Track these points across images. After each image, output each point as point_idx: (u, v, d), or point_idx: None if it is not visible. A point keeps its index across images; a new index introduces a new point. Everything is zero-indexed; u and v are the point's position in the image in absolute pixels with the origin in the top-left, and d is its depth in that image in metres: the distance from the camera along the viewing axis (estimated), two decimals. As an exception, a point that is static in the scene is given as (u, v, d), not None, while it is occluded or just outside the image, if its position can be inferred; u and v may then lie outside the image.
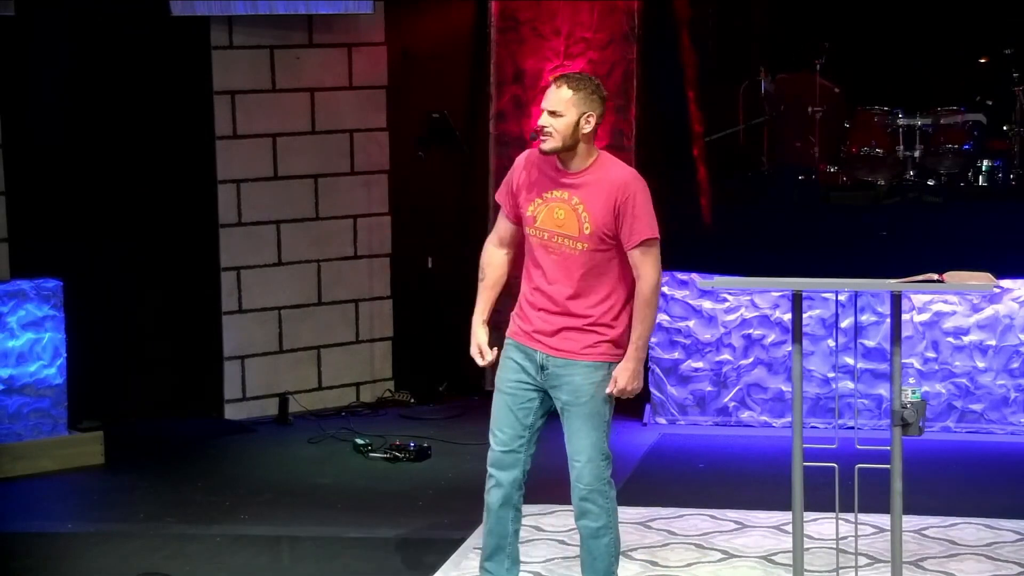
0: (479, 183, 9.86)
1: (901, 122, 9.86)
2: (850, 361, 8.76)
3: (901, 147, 9.86)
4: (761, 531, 7.06)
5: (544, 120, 5.42)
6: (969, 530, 7.02)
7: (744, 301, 9.04)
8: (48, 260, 8.58)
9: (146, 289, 9.31)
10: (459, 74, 9.97)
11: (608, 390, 5.47)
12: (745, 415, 9.12)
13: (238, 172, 9.38)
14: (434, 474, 8.11)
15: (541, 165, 5.53)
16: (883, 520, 5.89)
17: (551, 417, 5.65)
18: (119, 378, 9.23)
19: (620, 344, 5.52)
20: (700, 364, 9.14)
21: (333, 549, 6.91)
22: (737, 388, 9.12)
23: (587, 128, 5.43)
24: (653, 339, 9.16)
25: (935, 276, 5.37)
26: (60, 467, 8.27)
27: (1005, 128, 10.00)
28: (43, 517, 7.53)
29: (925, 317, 8.92)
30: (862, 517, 5.66)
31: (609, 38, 9.88)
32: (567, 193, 5.46)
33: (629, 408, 9.39)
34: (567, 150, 5.44)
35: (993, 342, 8.87)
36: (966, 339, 8.89)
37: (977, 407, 8.90)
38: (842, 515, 5.73)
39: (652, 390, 9.18)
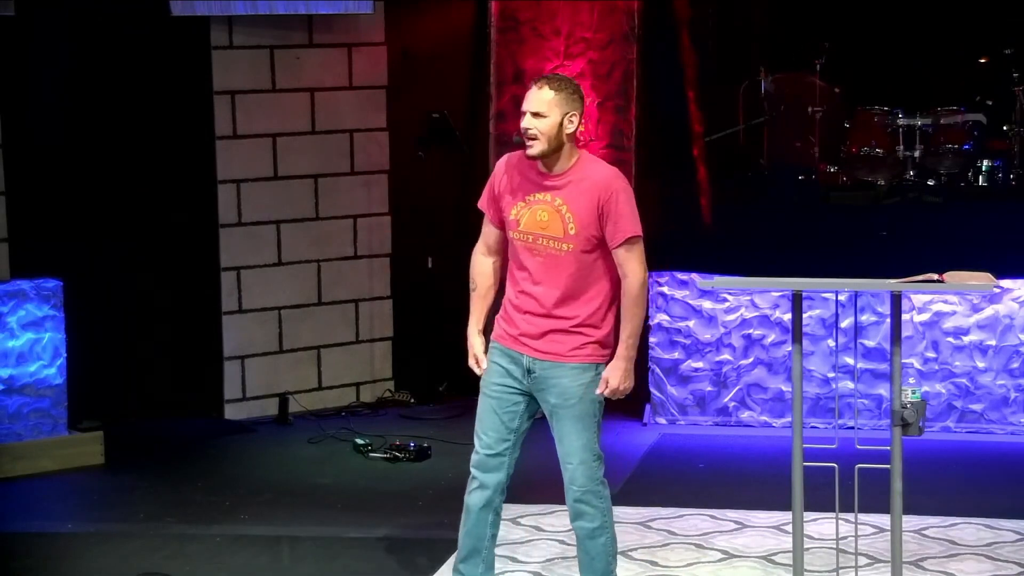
0: (479, 183, 9.78)
1: (901, 122, 9.86)
2: (850, 361, 8.76)
3: (901, 147, 9.85)
4: (761, 531, 7.06)
5: (528, 122, 5.41)
6: (969, 530, 7.02)
7: (744, 301, 9.04)
8: (48, 260, 8.58)
9: (146, 289, 9.31)
10: (459, 74, 9.97)
11: (599, 391, 5.48)
12: (745, 415, 9.12)
13: (238, 172, 9.38)
14: (434, 474, 8.11)
15: (522, 168, 5.53)
16: (883, 520, 5.89)
17: (539, 419, 5.64)
18: (119, 378, 9.23)
19: (607, 345, 5.52)
20: (700, 364, 9.14)
21: (333, 549, 6.91)
22: (737, 388, 9.12)
23: (570, 128, 5.43)
24: (653, 339, 9.16)
25: (935, 276, 5.37)
26: (60, 467, 8.27)
27: (1005, 128, 10.00)
28: (43, 517, 7.53)
29: (925, 317, 8.92)
30: (862, 517, 5.65)
31: (609, 38, 9.88)
32: (550, 195, 5.46)
33: (629, 408, 9.40)
34: (553, 152, 5.43)
35: (993, 342, 8.87)
36: (966, 339, 8.89)
37: (977, 407, 8.90)
38: (842, 515, 5.73)
39: (652, 390, 9.18)
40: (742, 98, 10.36)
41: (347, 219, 9.73)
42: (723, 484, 7.91)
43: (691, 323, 9.14)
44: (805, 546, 5.66)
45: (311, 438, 8.94)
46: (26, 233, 8.65)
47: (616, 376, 5.46)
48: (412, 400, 9.69)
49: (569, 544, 6.86)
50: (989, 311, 8.87)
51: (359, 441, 8.63)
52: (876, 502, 5.70)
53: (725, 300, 9.08)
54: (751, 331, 9.07)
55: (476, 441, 5.62)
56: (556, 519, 7.21)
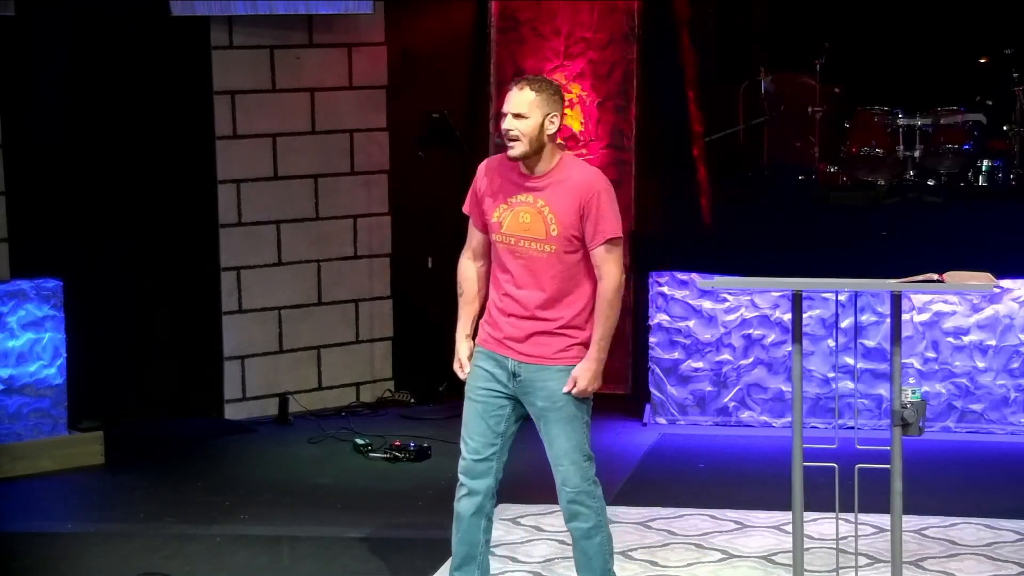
0: (479, 183, 9.85)
1: (901, 122, 9.85)
2: (850, 361, 8.76)
3: (901, 147, 9.84)
4: (761, 531, 7.06)
5: (509, 123, 5.40)
6: (969, 530, 7.02)
7: (744, 301, 9.04)
8: (48, 260, 8.58)
9: (146, 289, 9.32)
10: (459, 74, 9.97)
11: (566, 389, 5.45)
12: (745, 415, 9.12)
13: (238, 172, 9.38)
14: (434, 474, 8.10)
15: (504, 171, 5.53)
16: (883, 520, 5.89)
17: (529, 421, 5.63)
18: (119, 378, 9.23)
19: (590, 346, 5.51)
20: (700, 364, 9.14)
21: (333, 549, 6.91)
22: (737, 388, 9.12)
23: (551, 129, 5.42)
24: (653, 339, 9.17)
25: (935, 276, 5.37)
26: (60, 467, 8.27)
27: (1005, 128, 9.99)
28: (43, 517, 7.53)
29: (925, 317, 8.92)
30: (862, 517, 5.65)
31: (609, 38, 9.89)
32: (532, 196, 5.45)
33: (629, 408, 9.41)
34: (534, 153, 5.42)
35: (993, 342, 8.87)
36: (966, 339, 8.89)
37: (977, 407, 8.90)
38: (842, 515, 5.73)
39: (652, 390, 9.18)
40: (742, 98, 10.35)
41: (347, 219, 9.73)
42: (723, 484, 7.91)
43: (691, 323, 9.14)
44: (805, 546, 5.66)
45: (311, 438, 8.94)
46: (26, 233, 8.65)
47: (585, 377, 5.45)
48: (412, 400, 9.70)
49: (568, 544, 6.84)
50: (989, 311, 8.87)
51: (359, 441, 8.63)
52: (876, 502, 5.70)
53: (725, 300, 9.08)
54: (751, 331, 9.07)
55: (463, 447, 5.60)
56: (556, 519, 7.20)
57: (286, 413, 9.36)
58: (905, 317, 8.73)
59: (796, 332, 5.54)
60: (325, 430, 9.05)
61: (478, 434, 5.56)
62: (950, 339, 8.91)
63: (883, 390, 8.82)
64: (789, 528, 5.81)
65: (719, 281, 6.08)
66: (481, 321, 5.63)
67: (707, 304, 9.11)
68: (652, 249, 9.45)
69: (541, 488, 7.49)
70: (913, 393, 5.40)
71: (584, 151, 9.91)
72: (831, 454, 5.53)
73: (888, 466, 5.42)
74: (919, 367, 8.91)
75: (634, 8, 9.83)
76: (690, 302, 9.13)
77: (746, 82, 10.32)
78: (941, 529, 7.03)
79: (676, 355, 9.17)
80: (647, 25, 9.82)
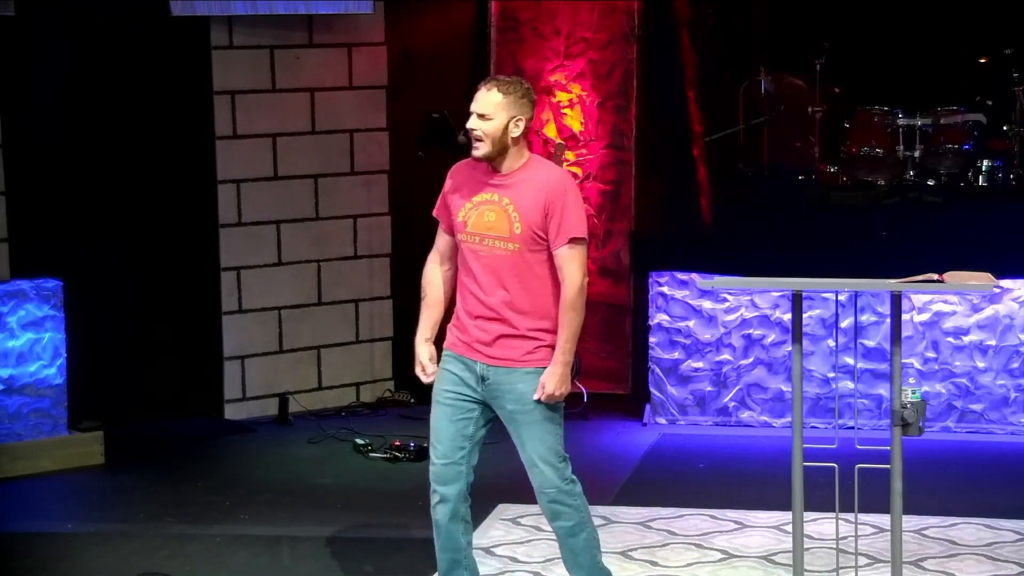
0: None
1: (901, 122, 9.84)
2: (850, 361, 8.76)
3: (901, 147, 9.84)
4: (761, 531, 7.06)
5: (473, 123, 5.42)
6: (969, 530, 7.02)
7: (744, 301, 9.04)
8: (48, 260, 8.58)
9: (146, 289, 9.32)
10: (459, 74, 9.96)
11: (536, 396, 5.42)
12: (745, 415, 9.12)
13: (238, 172, 9.38)
14: (434, 474, 8.10)
15: (472, 171, 5.54)
16: (883, 520, 5.89)
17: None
18: (119, 378, 9.23)
19: None
20: (700, 364, 9.14)
21: (333, 549, 6.91)
22: (737, 388, 9.12)
23: (516, 132, 5.42)
24: (653, 339, 9.17)
25: (935, 276, 5.37)
26: (60, 467, 8.27)
27: (1005, 128, 9.98)
28: (43, 517, 7.53)
29: (925, 317, 8.92)
30: (862, 517, 5.65)
31: (609, 38, 9.88)
32: (497, 195, 5.45)
33: (629, 408, 9.41)
34: (498, 154, 5.43)
35: (993, 342, 8.87)
36: (966, 339, 8.89)
37: (977, 407, 8.90)
38: (842, 515, 5.73)
39: (652, 390, 9.18)
40: (742, 98, 10.35)
41: (347, 219, 9.73)
42: (723, 484, 7.91)
43: (691, 323, 9.13)
44: (805, 546, 5.66)
45: (311, 438, 8.94)
46: (26, 233, 8.65)
47: (552, 381, 5.41)
48: (412, 400, 9.69)
49: (569, 544, 6.86)
50: (989, 311, 8.87)
51: (359, 441, 8.63)
52: (876, 502, 5.70)
53: (725, 300, 9.08)
54: (751, 331, 9.07)
55: (431, 452, 5.59)
56: (556, 519, 7.21)
57: (286, 413, 9.36)
58: (905, 317, 8.73)
59: (796, 332, 5.54)
60: (325, 430, 9.05)
61: (447, 438, 5.55)
62: (950, 339, 8.91)
63: (883, 390, 8.82)
64: (789, 528, 5.81)
65: (719, 281, 6.09)
66: (449, 324, 5.63)
67: (707, 304, 9.11)
68: (652, 249, 9.45)
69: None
70: (913, 393, 5.40)
71: (584, 151, 9.92)
72: (831, 454, 5.53)
73: (888, 466, 5.42)
74: (919, 367, 8.91)
75: (634, 8, 9.83)
76: (690, 302, 9.13)
77: (746, 82, 10.32)
78: (941, 529, 7.03)
79: (676, 355, 9.17)
80: (647, 25, 9.82)
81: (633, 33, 9.83)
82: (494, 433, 5.67)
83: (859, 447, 5.49)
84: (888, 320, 7.54)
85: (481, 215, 5.46)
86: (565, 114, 9.93)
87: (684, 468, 8.33)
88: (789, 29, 10.66)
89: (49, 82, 8.94)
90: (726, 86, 10.38)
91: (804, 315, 7.62)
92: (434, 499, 5.60)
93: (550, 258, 5.43)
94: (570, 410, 9.32)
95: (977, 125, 9.90)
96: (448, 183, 5.63)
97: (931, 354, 8.93)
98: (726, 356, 9.11)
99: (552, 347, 5.45)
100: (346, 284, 9.75)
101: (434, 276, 5.70)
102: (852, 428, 8.47)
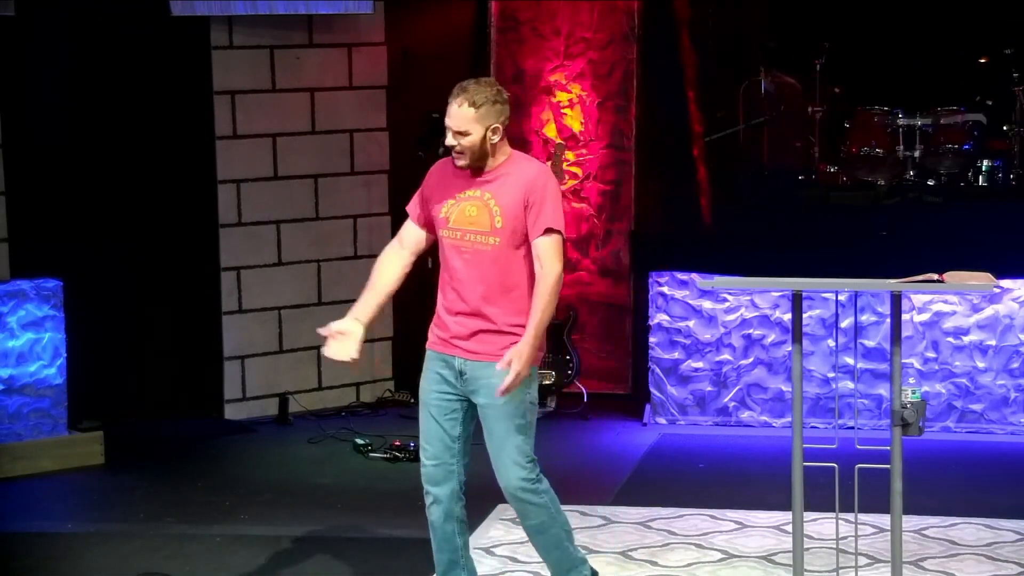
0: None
1: (901, 122, 9.84)
2: (850, 361, 8.76)
3: (901, 147, 9.84)
4: (761, 531, 7.06)
5: (451, 140, 5.43)
6: (969, 530, 7.02)
7: (744, 301, 9.04)
8: (48, 260, 8.58)
9: (146, 289, 9.31)
10: (459, 74, 9.84)
11: (500, 366, 5.34)
12: (745, 415, 9.12)
13: (238, 172, 9.38)
14: (434, 474, 8.09)
15: (454, 169, 5.55)
16: (883, 520, 5.89)
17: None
18: (119, 378, 9.23)
19: (539, 346, 5.49)
20: (700, 364, 9.14)
21: (333, 549, 6.91)
22: (737, 388, 9.12)
23: (495, 139, 5.45)
24: (653, 339, 9.17)
25: (935, 276, 5.37)
26: (60, 467, 8.27)
27: (1005, 128, 9.98)
28: (43, 517, 7.53)
29: (925, 317, 8.92)
30: (862, 517, 5.65)
31: (609, 38, 9.89)
32: (479, 190, 5.47)
33: (629, 408, 9.41)
34: (480, 161, 5.45)
35: (993, 342, 8.87)
36: (966, 339, 8.89)
37: (977, 407, 8.90)
38: (842, 515, 5.73)
39: (652, 390, 9.18)
40: (742, 98, 10.34)
41: (347, 219, 9.73)
42: (723, 484, 7.91)
43: (691, 323, 9.13)
44: (805, 546, 5.66)
45: (311, 438, 8.94)
46: (26, 233, 8.66)
47: (519, 360, 5.30)
48: (412, 400, 9.68)
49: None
50: (989, 311, 8.87)
51: (359, 441, 8.63)
52: (876, 502, 5.70)
53: (725, 300, 9.08)
54: (751, 331, 9.07)
55: (421, 453, 5.61)
56: (556, 519, 7.21)
57: (286, 413, 9.36)
58: (905, 317, 8.73)
59: (796, 332, 5.54)
60: (325, 430, 9.05)
61: (435, 439, 5.57)
62: (950, 339, 8.91)
63: (883, 390, 8.82)
64: (789, 528, 5.81)
65: (719, 281, 6.09)
66: (431, 325, 5.62)
67: (707, 304, 9.11)
68: (652, 249, 9.45)
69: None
70: (913, 393, 5.40)
71: (584, 151, 9.92)
72: (831, 454, 5.53)
73: (888, 466, 5.41)
74: (919, 367, 8.91)
75: (634, 8, 9.83)
76: (690, 302, 9.13)
77: (746, 82, 10.31)
78: (941, 529, 7.02)
79: (676, 355, 9.17)
80: (647, 25, 9.82)
81: (633, 33, 9.83)
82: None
83: (859, 447, 5.49)
84: (888, 320, 7.54)
85: (463, 211, 5.48)
86: (565, 114, 9.93)
87: (684, 468, 8.33)
88: (789, 29, 10.65)
89: (49, 82, 8.94)
90: (726, 86, 10.37)
91: (804, 315, 7.62)
92: (427, 500, 5.62)
93: (529, 254, 5.44)
94: (570, 410, 9.37)
95: (977, 125, 9.90)
96: (429, 180, 5.64)
97: (931, 354, 8.92)
98: (726, 356, 9.11)
99: None
100: (346, 284, 9.73)
101: (387, 261, 5.70)
102: (852, 428, 8.47)
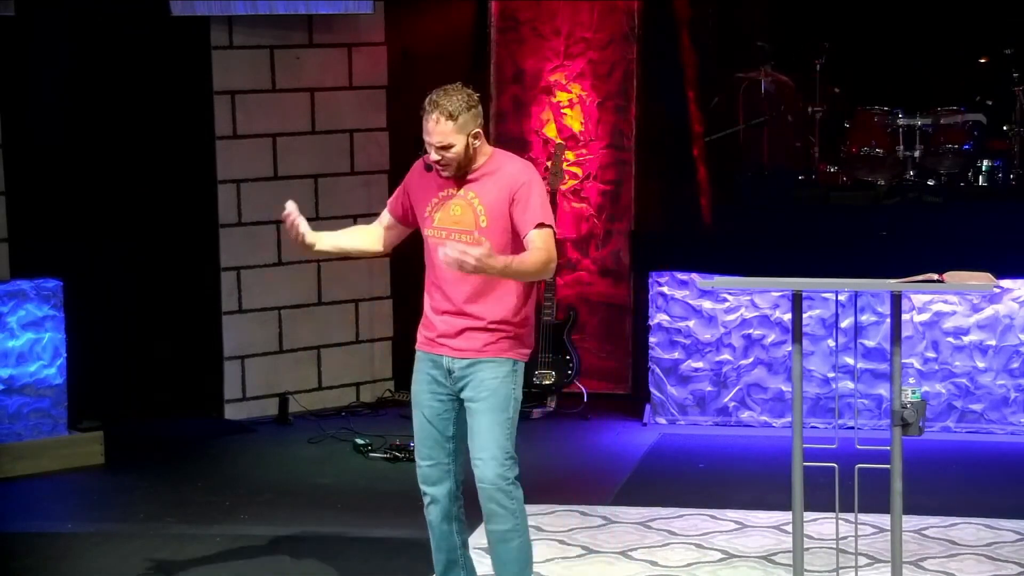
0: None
1: (901, 122, 9.84)
2: (850, 361, 8.76)
3: (901, 147, 9.84)
4: (761, 531, 7.07)
5: (435, 155, 5.40)
6: (969, 530, 7.02)
7: (744, 301, 9.04)
8: (48, 260, 8.58)
9: (146, 289, 9.32)
10: (459, 74, 9.86)
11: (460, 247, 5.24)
12: (745, 415, 9.12)
13: (238, 172, 9.38)
14: (434, 474, 8.09)
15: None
16: (883, 520, 5.89)
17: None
18: (119, 378, 9.23)
19: (525, 343, 5.50)
20: (700, 364, 9.14)
21: (333, 549, 6.91)
22: (737, 388, 9.12)
23: (477, 143, 5.43)
24: (653, 339, 9.17)
25: (935, 276, 5.37)
26: (60, 467, 8.27)
27: (1005, 128, 9.98)
28: (43, 517, 7.53)
29: (925, 317, 8.92)
30: (862, 517, 5.65)
31: (609, 38, 9.89)
32: (463, 189, 5.46)
33: (629, 408, 9.41)
34: (466, 167, 5.44)
35: (993, 342, 8.87)
36: (966, 339, 8.89)
37: (977, 407, 8.90)
38: (842, 515, 5.73)
39: (652, 390, 9.18)
40: (742, 98, 10.35)
41: (347, 219, 9.69)
42: (723, 484, 7.91)
43: (691, 323, 9.13)
44: (805, 546, 5.66)
45: (311, 438, 8.94)
46: (26, 233, 8.65)
47: (479, 257, 5.15)
48: (412, 400, 9.68)
49: (569, 544, 6.87)
50: (989, 311, 8.87)
51: (359, 441, 8.63)
52: (876, 502, 5.70)
53: (725, 300, 9.08)
54: (751, 331, 9.07)
55: (416, 454, 5.62)
56: (556, 519, 7.22)
57: (286, 413, 9.36)
58: (905, 317, 8.73)
59: (796, 332, 5.54)
60: (325, 430, 9.05)
61: (429, 439, 5.57)
62: (950, 339, 8.91)
63: (883, 390, 8.82)
64: (789, 528, 5.81)
65: (719, 281, 6.09)
66: (419, 327, 5.62)
67: (707, 304, 9.11)
68: (652, 249, 9.45)
69: (541, 488, 7.51)
70: (913, 393, 5.40)
71: (584, 151, 9.92)
72: (831, 454, 5.53)
73: (888, 466, 5.42)
74: (919, 367, 8.91)
75: (634, 8, 9.83)
76: (690, 302, 9.13)
77: (746, 82, 10.31)
78: (941, 529, 7.03)
79: (676, 355, 9.17)
80: (647, 25, 9.82)
81: (633, 33, 9.83)
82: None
83: (859, 447, 5.49)
84: (888, 320, 7.54)
85: (448, 210, 5.47)
86: (565, 114, 9.94)
87: (684, 468, 8.33)
88: (789, 29, 10.65)
89: (49, 82, 8.94)
90: (726, 86, 10.37)
91: (804, 315, 7.62)
92: (425, 500, 5.63)
93: (514, 252, 5.41)
94: (570, 410, 9.37)
95: (977, 125, 9.90)
96: (412, 178, 5.63)
97: (931, 354, 8.92)
98: (726, 356, 9.11)
99: (512, 338, 5.46)
100: (346, 284, 9.75)
101: (362, 228, 5.81)
102: (852, 428, 8.47)
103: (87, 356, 8.71)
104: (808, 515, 5.66)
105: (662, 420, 9.19)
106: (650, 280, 9.22)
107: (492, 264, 5.21)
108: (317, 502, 7.69)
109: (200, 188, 9.33)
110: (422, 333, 5.60)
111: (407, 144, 9.66)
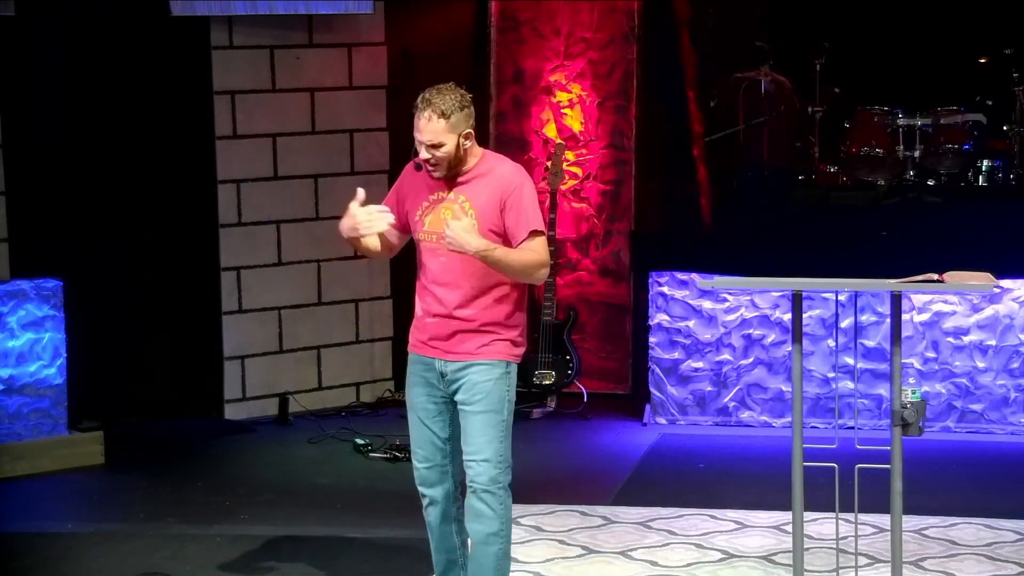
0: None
1: (901, 122, 9.84)
2: (850, 361, 8.76)
3: (901, 147, 9.84)
4: (761, 531, 7.07)
5: (425, 154, 5.38)
6: (969, 530, 7.02)
7: (744, 301, 9.04)
8: (48, 260, 8.58)
9: (146, 289, 9.32)
10: (459, 74, 9.90)
11: (452, 223, 5.28)
12: (745, 415, 9.12)
13: (238, 172, 9.38)
14: (434, 474, 8.09)
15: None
16: (883, 520, 5.89)
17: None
18: (119, 378, 9.23)
19: (517, 344, 5.49)
20: (700, 364, 9.14)
21: (333, 549, 6.91)
22: (737, 388, 9.12)
23: (468, 144, 5.41)
24: (653, 339, 9.17)
25: (935, 276, 5.37)
26: (60, 467, 8.27)
27: (1005, 128, 9.98)
28: (43, 517, 7.53)
29: (925, 317, 8.92)
30: (862, 517, 5.65)
31: (609, 38, 9.88)
32: (453, 192, 5.44)
33: (629, 408, 9.41)
34: (456, 167, 5.42)
35: (993, 342, 8.87)
36: (966, 339, 8.89)
37: (977, 407, 8.90)
38: (842, 515, 5.73)
39: (652, 390, 9.18)
40: (742, 98, 10.34)
41: (347, 219, 9.71)
42: (723, 484, 7.91)
43: (691, 323, 9.13)
44: (805, 546, 5.66)
45: (311, 438, 8.94)
46: (26, 233, 8.66)
47: (467, 230, 5.23)
48: (412, 400, 9.68)
49: (569, 544, 6.86)
50: (989, 311, 8.87)
51: (359, 441, 8.63)
52: (876, 502, 5.70)
53: (725, 300, 9.08)
54: (751, 331, 9.07)
55: (413, 456, 5.60)
56: (556, 519, 7.22)
57: (286, 413, 9.36)
58: (905, 317, 8.73)
59: (796, 332, 5.54)
60: (325, 430, 9.05)
61: (425, 442, 5.56)
62: (950, 339, 8.90)
63: (883, 390, 8.82)
64: (789, 528, 5.81)
65: (719, 281, 6.09)
66: (411, 328, 5.61)
67: (707, 304, 9.11)
68: (652, 249, 9.45)
69: (541, 488, 7.51)
70: (913, 393, 5.40)
71: (584, 151, 9.92)
72: (831, 454, 5.53)
73: (888, 466, 5.42)
74: (919, 367, 8.91)
75: (634, 8, 9.83)
76: (690, 302, 9.13)
77: (746, 82, 10.31)
78: (941, 529, 7.03)
79: (676, 355, 9.17)
80: (647, 25, 9.82)
81: (633, 33, 9.83)
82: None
83: (859, 447, 5.49)
84: (888, 320, 7.54)
85: (438, 214, 5.45)
86: (565, 114, 9.93)
87: (684, 468, 8.33)
88: (789, 29, 10.65)
89: (49, 82, 8.94)
90: (726, 86, 10.37)
91: (804, 315, 7.62)
92: (424, 502, 5.62)
93: None
94: (570, 410, 9.37)
95: (977, 125, 9.90)
96: (403, 181, 5.61)
97: (931, 354, 8.92)
98: (726, 356, 9.11)
99: (508, 341, 5.45)
100: (346, 284, 9.75)
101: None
102: (852, 428, 8.47)
103: (87, 356, 8.71)
104: (808, 515, 5.66)
105: (662, 420, 9.19)
106: (650, 280, 9.22)
107: (476, 243, 5.22)
108: (317, 502, 7.69)
109: (200, 188, 9.33)
110: (414, 336, 5.58)
111: (407, 144, 9.64)
